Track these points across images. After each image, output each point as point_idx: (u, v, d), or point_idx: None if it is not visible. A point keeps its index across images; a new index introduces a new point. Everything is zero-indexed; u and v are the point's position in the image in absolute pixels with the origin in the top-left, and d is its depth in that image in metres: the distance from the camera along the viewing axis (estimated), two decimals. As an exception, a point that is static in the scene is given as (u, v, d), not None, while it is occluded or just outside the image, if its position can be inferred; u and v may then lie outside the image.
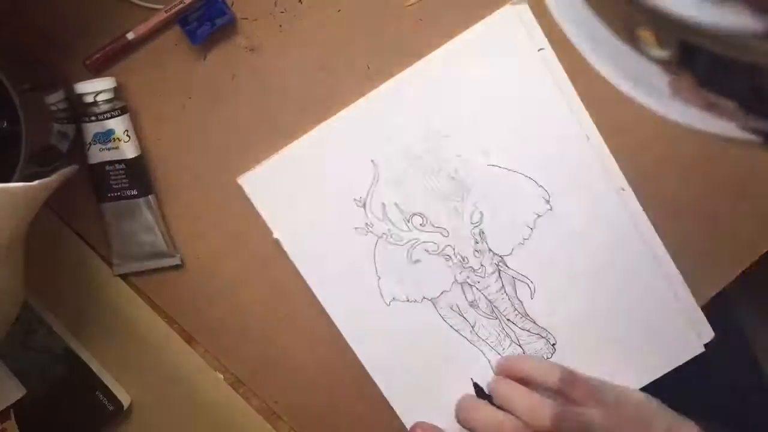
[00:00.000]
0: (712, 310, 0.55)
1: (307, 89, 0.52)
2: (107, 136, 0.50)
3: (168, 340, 0.55)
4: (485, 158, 0.52)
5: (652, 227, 0.53)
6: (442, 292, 0.53)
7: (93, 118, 0.50)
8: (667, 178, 0.53)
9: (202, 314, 0.55)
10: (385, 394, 0.55)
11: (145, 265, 0.54)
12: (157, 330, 0.55)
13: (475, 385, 0.54)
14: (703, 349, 0.54)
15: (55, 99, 0.49)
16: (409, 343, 0.54)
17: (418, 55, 0.51)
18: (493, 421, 0.50)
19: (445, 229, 0.52)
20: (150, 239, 0.53)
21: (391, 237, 0.53)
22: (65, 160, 0.49)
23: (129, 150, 0.51)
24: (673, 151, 0.53)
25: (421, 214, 0.52)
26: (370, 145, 0.52)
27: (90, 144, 0.51)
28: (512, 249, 0.53)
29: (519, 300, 0.54)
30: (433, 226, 0.53)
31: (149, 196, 0.52)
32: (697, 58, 0.19)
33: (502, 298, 0.54)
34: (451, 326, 0.54)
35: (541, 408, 0.49)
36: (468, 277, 0.53)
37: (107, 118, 0.50)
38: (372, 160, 0.52)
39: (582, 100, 0.51)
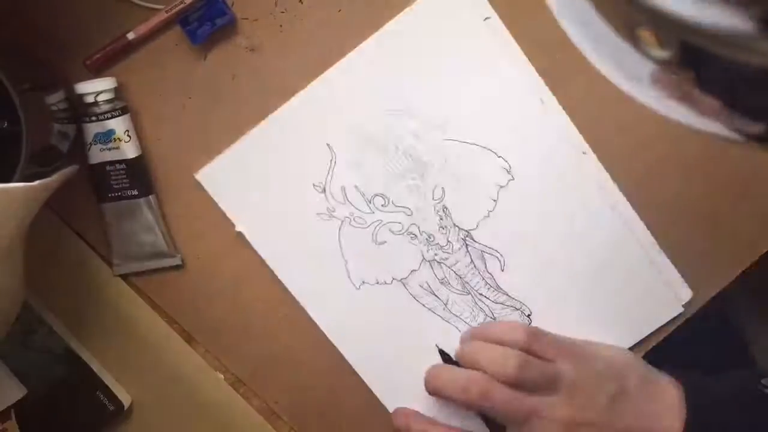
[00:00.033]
0: (712, 310, 0.55)
1: (307, 89, 0.52)
2: (108, 137, 0.50)
3: (168, 340, 0.55)
4: (441, 133, 0.52)
5: (617, 189, 0.52)
6: (411, 272, 0.53)
7: (93, 118, 0.50)
8: (667, 178, 0.53)
9: (202, 314, 0.55)
10: (364, 379, 0.55)
11: (146, 265, 0.54)
12: (158, 330, 0.55)
13: (441, 352, 0.54)
14: (682, 310, 0.53)
15: (55, 99, 0.49)
16: (384, 326, 0.54)
17: (419, 55, 0.51)
18: (459, 380, 0.50)
19: (408, 208, 0.52)
20: (150, 239, 0.53)
21: (354, 220, 0.52)
22: (66, 160, 0.49)
23: (129, 150, 0.51)
24: (674, 151, 0.53)
25: (382, 195, 0.52)
26: (325, 129, 0.52)
27: (90, 144, 0.51)
28: (477, 223, 0.53)
29: (489, 273, 0.53)
30: (395, 205, 0.52)
31: (150, 196, 0.52)
32: (697, 58, 0.19)
33: (473, 273, 0.53)
34: (423, 305, 0.54)
35: (505, 358, 0.48)
36: (436, 255, 0.53)
37: (108, 118, 0.50)
38: (328, 144, 0.52)
39: (582, 99, 0.51)
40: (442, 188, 0.52)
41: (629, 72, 0.21)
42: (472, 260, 0.53)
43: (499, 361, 0.48)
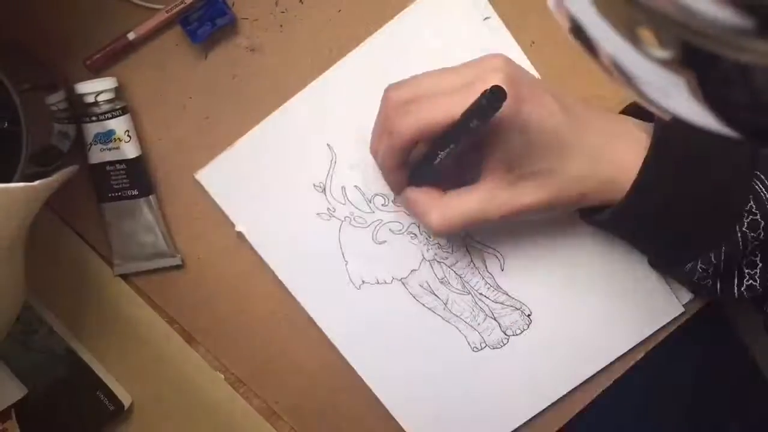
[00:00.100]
0: (712, 311, 0.55)
1: (307, 89, 0.52)
2: (108, 137, 0.50)
3: (168, 340, 0.55)
4: None
5: None
6: (411, 271, 0.53)
7: (94, 118, 0.50)
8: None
9: (202, 314, 0.55)
10: (364, 379, 0.55)
11: (146, 265, 0.54)
12: (158, 330, 0.55)
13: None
14: (682, 310, 0.53)
15: (55, 99, 0.49)
16: (384, 326, 0.54)
17: (419, 55, 0.51)
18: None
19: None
20: (150, 239, 0.53)
21: (355, 220, 0.52)
22: (66, 160, 0.49)
23: (130, 150, 0.51)
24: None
25: (382, 195, 0.52)
26: (325, 129, 0.51)
27: (91, 144, 0.51)
28: None
29: (489, 273, 0.53)
30: (395, 205, 0.52)
31: (150, 196, 0.52)
32: (698, 58, 0.19)
33: (472, 273, 0.53)
34: (423, 305, 0.54)
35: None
36: (436, 254, 0.53)
37: (108, 119, 0.50)
38: (328, 144, 0.52)
39: (582, 99, 0.51)
40: None
41: (629, 71, 0.21)
42: (471, 260, 0.53)
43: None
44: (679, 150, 0.44)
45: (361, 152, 0.51)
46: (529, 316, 0.54)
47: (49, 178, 0.44)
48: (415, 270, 0.53)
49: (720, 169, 0.44)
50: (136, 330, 0.55)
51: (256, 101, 0.52)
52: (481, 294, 0.54)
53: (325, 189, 0.52)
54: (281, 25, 0.51)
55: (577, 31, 0.22)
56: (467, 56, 0.46)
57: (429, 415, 0.55)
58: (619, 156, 0.45)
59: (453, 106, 0.42)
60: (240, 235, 0.53)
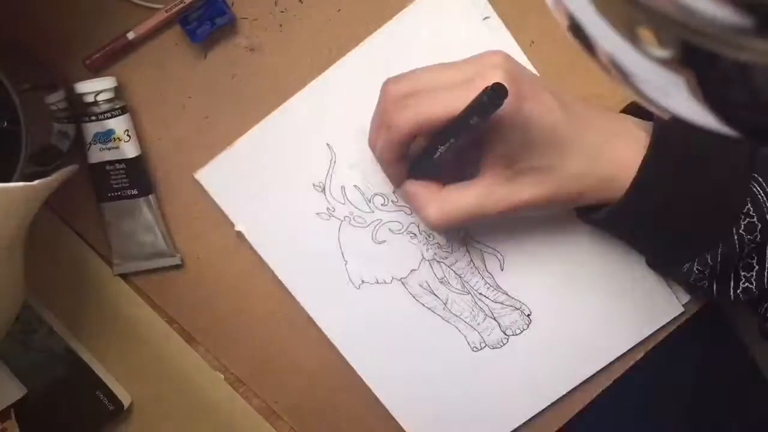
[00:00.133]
0: (712, 311, 0.55)
1: (307, 89, 0.52)
2: (107, 136, 0.50)
3: (168, 340, 0.55)
4: None
5: None
6: (411, 271, 0.53)
7: (93, 117, 0.50)
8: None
9: (202, 314, 0.55)
10: (364, 379, 0.54)
11: (145, 264, 0.54)
12: (157, 330, 0.55)
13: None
14: (682, 309, 0.53)
15: (55, 99, 0.49)
16: (384, 326, 0.54)
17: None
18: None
19: (407, 207, 0.52)
20: (150, 239, 0.53)
21: (354, 219, 0.52)
22: (65, 160, 0.49)
23: (129, 150, 0.51)
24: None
25: (382, 194, 0.52)
26: (325, 129, 0.51)
27: (90, 144, 0.51)
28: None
29: (489, 273, 0.53)
30: (395, 204, 0.52)
31: (149, 196, 0.52)
32: (697, 57, 0.19)
33: (472, 273, 0.53)
34: (423, 305, 0.54)
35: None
36: (435, 254, 0.53)
37: (107, 118, 0.50)
38: (328, 144, 0.52)
39: (582, 99, 0.51)
40: None
41: (628, 70, 0.21)
42: (471, 259, 0.53)
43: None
44: (679, 149, 0.44)
45: (360, 152, 0.51)
46: (528, 315, 0.54)
47: (49, 178, 0.44)
48: (414, 270, 0.53)
49: (719, 169, 0.44)
50: (136, 330, 0.55)
51: (256, 101, 0.52)
52: (480, 294, 0.54)
53: (324, 189, 0.52)
54: (281, 25, 0.51)
55: (576, 30, 0.22)
56: (467, 56, 0.46)
57: (429, 415, 0.55)
58: (618, 154, 0.45)
59: (453, 101, 0.42)
60: (239, 234, 0.53)
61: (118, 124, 0.50)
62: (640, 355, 0.54)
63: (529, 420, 0.55)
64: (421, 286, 0.53)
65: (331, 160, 0.52)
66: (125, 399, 0.56)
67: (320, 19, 0.51)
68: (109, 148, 0.51)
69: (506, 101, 0.40)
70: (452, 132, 0.43)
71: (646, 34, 0.19)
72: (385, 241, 0.53)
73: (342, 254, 0.53)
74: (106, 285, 0.55)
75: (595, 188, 0.45)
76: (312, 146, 0.52)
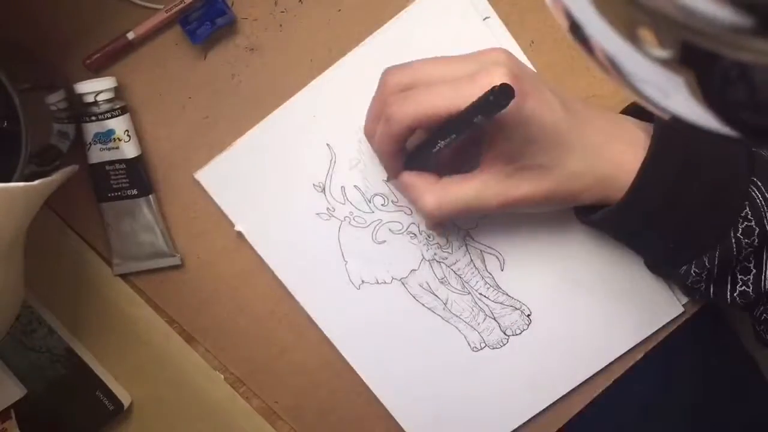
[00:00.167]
0: (712, 311, 0.55)
1: (307, 89, 0.52)
2: (107, 136, 0.50)
3: (168, 340, 0.55)
4: None
5: None
6: (411, 271, 0.53)
7: (93, 117, 0.50)
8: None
9: (202, 314, 0.55)
10: (364, 379, 0.54)
11: (145, 264, 0.54)
12: (157, 329, 0.55)
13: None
14: (682, 310, 0.53)
15: (55, 99, 0.49)
16: (384, 326, 0.54)
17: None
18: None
19: (408, 207, 0.52)
20: (150, 239, 0.53)
21: (354, 220, 0.52)
22: (65, 160, 0.49)
23: (129, 150, 0.51)
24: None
25: (382, 194, 0.52)
26: (325, 129, 0.51)
27: (90, 144, 0.51)
28: (477, 222, 0.53)
29: (489, 273, 0.53)
30: (395, 205, 0.52)
31: (149, 196, 0.52)
32: (697, 57, 0.19)
33: (472, 273, 0.53)
34: (423, 305, 0.54)
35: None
36: (435, 254, 0.53)
37: (107, 118, 0.50)
38: (328, 144, 0.52)
39: (582, 98, 0.51)
40: None
41: (628, 70, 0.21)
42: (471, 260, 0.53)
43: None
44: (679, 151, 0.44)
45: (360, 152, 0.51)
46: (528, 316, 0.54)
47: (49, 178, 0.44)
48: (414, 270, 0.53)
49: (718, 172, 0.44)
50: (136, 330, 0.55)
51: (256, 101, 0.52)
52: (480, 294, 0.54)
53: (324, 189, 0.52)
54: (281, 25, 0.51)
55: (575, 29, 0.22)
56: None
57: (429, 415, 0.55)
58: (617, 155, 0.45)
59: (455, 97, 0.42)
60: (239, 234, 0.53)
61: (118, 124, 0.50)
62: (640, 355, 0.54)
63: (529, 420, 0.55)
64: (421, 286, 0.53)
65: (331, 160, 0.52)
66: (125, 399, 0.56)
67: (320, 19, 0.51)
68: (109, 148, 0.51)
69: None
70: (454, 128, 0.43)
71: (646, 34, 0.19)
72: (385, 241, 0.53)
73: (342, 254, 0.53)
74: (106, 285, 0.55)
75: (594, 188, 0.45)
76: (312, 146, 0.52)
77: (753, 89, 0.19)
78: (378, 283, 0.53)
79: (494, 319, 0.54)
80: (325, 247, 0.53)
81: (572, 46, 0.22)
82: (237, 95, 0.52)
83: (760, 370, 0.63)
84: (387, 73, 0.46)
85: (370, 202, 0.52)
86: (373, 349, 0.54)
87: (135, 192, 0.52)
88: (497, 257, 0.53)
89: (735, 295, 0.46)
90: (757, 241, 0.44)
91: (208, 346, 0.56)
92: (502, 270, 0.53)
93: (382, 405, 0.55)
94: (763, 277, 0.46)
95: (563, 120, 0.44)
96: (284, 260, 0.53)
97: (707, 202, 0.44)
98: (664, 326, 0.54)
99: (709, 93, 0.20)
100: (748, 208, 0.44)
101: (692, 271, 0.46)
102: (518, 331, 0.54)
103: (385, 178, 0.52)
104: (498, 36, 0.50)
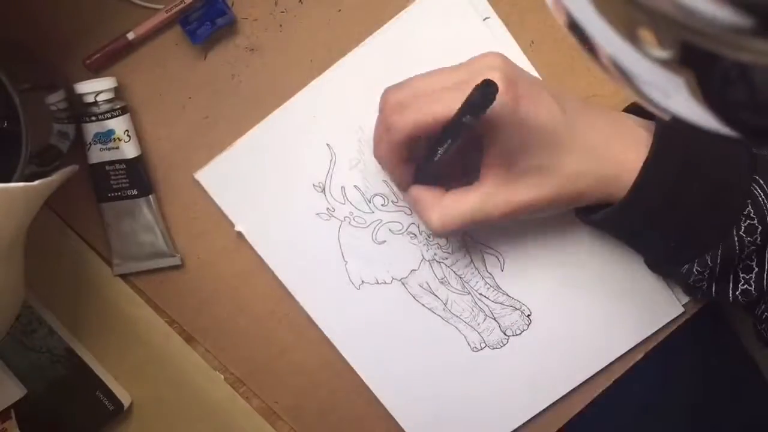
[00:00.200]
0: (712, 311, 0.55)
1: (307, 89, 0.52)
2: (107, 136, 0.50)
3: (168, 340, 0.55)
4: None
5: None
6: (411, 272, 0.53)
7: (93, 118, 0.50)
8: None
9: (202, 314, 0.55)
10: (364, 379, 0.54)
11: (145, 265, 0.54)
12: (157, 330, 0.55)
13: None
14: (682, 310, 0.53)
15: (55, 99, 0.49)
16: (384, 326, 0.54)
17: (419, 55, 0.51)
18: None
19: (408, 207, 0.52)
20: (150, 239, 0.53)
21: (354, 220, 0.52)
22: (65, 160, 0.49)
23: (129, 150, 0.51)
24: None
25: (382, 194, 0.52)
26: (325, 129, 0.51)
27: (90, 144, 0.51)
28: None
29: (489, 273, 0.53)
30: (395, 205, 0.52)
31: (149, 196, 0.52)
32: (697, 58, 0.19)
33: (472, 273, 0.53)
34: (423, 305, 0.54)
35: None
36: (435, 254, 0.53)
37: (107, 118, 0.50)
38: (328, 144, 0.52)
39: (583, 98, 0.51)
40: None
41: (628, 70, 0.21)
42: (471, 260, 0.53)
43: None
44: (681, 150, 0.44)
45: (360, 152, 0.51)
46: (528, 316, 0.54)
47: (49, 178, 0.44)
48: (414, 270, 0.53)
49: (720, 170, 0.44)
50: (136, 330, 0.55)
51: (256, 101, 0.52)
52: (480, 294, 0.54)
53: (324, 189, 0.52)
54: (281, 25, 0.51)
55: (575, 30, 0.22)
56: (467, 56, 0.46)
57: (429, 415, 0.55)
58: (619, 154, 0.45)
59: (450, 102, 0.42)
60: (239, 234, 0.53)
61: (118, 125, 0.50)
62: (640, 355, 0.54)
63: (529, 420, 0.55)
64: (421, 286, 0.53)
65: (331, 161, 0.52)
66: (125, 399, 0.56)
67: (320, 20, 0.51)
68: (109, 149, 0.51)
69: (503, 102, 0.40)
70: (448, 132, 0.43)
71: (646, 34, 0.19)
72: (385, 241, 0.53)
73: (342, 254, 0.53)
74: (106, 285, 0.55)
75: (596, 188, 0.45)
76: (312, 146, 0.52)
77: (753, 89, 0.19)
78: (378, 283, 0.53)
79: (494, 319, 0.54)
80: (325, 247, 0.53)
81: (572, 46, 0.22)
82: (237, 95, 0.52)
83: (760, 370, 0.63)
84: (386, 91, 0.46)
85: (370, 202, 0.52)
86: (373, 349, 0.54)
87: (135, 192, 0.52)
88: (497, 257, 0.53)
89: (737, 293, 0.46)
90: (759, 239, 0.44)
91: (208, 346, 0.56)
92: (502, 270, 0.53)
93: (382, 405, 0.55)
94: (765, 275, 0.46)
95: (561, 122, 0.44)
96: (284, 260, 0.53)
97: (709, 201, 0.44)
98: (664, 326, 0.54)
99: (709, 93, 0.20)
100: (750, 206, 0.44)
101: (694, 270, 0.46)
102: (518, 332, 0.54)
103: (386, 178, 0.52)
104: (498, 36, 0.50)
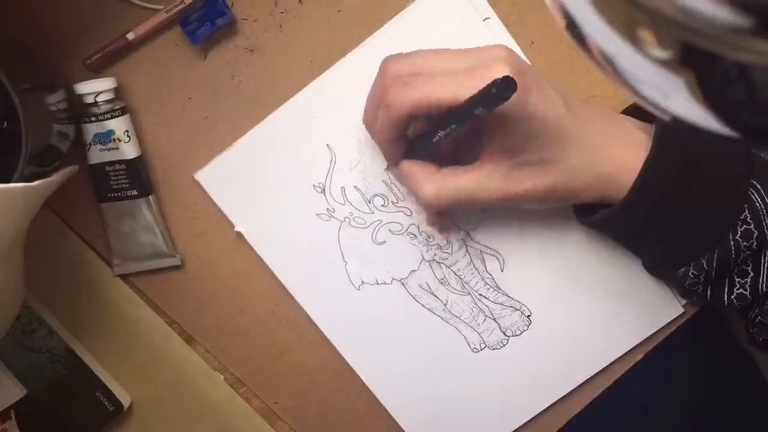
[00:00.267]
0: (711, 311, 0.55)
1: (307, 89, 0.52)
2: (107, 137, 0.50)
3: (168, 340, 0.55)
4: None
5: None
6: (411, 272, 0.53)
7: (93, 118, 0.50)
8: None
9: (202, 314, 0.55)
10: (364, 379, 0.54)
11: (145, 265, 0.54)
12: (157, 330, 0.55)
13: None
14: (682, 310, 0.53)
15: (55, 99, 0.49)
16: (384, 326, 0.54)
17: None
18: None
19: (407, 207, 0.52)
20: (150, 239, 0.53)
21: (354, 220, 0.52)
22: (65, 161, 0.49)
23: (129, 150, 0.51)
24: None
25: (382, 195, 0.52)
26: (325, 129, 0.51)
27: (90, 144, 0.51)
28: (477, 223, 0.53)
29: (489, 274, 0.53)
30: (395, 205, 0.52)
31: (149, 196, 0.52)
32: (696, 58, 0.19)
33: (472, 274, 0.53)
34: (423, 305, 0.54)
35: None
36: (435, 255, 0.53)
37: (107, 119, 0.50)
38: (328, 144, 0.52)
39: (583, 99, 0.51)
40: None
41: (628, 70, 0.21)
42: (471, 260, 0.53)
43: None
44: (680, 152, 0.44)
45: (360, 152, 0.51)
46: (528, 317, 0.54)
47: (49, 179, 0.44)
48: (414, 270, 0.53)
49: (718, 174, 0.44)
50: (136, 330, 0.55)
51: (256, 101, 0.52)
52: (480, 295, 0.54)
53: (324, 189, 0.52)
54: (281, 26, 0.51)
55: (572, 27, 0.22)
56: None
57: (429, 415, 0.55)
58: (618, 154, 0.45)
59: (456, 87, 0.42)
60: (239, 235, 0.53)
61: (118, 125, 0.50)
62: (640, 355, 0.54)
63: (529, 420, 0.55)
64: (421, 286, 0.53)
65: (331, 161, 0.52)
66: (125, 400, 0.56)
67: (320, 20, 0.51)
68: (108, 149, 0.51)
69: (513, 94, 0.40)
70: (455, 119, 0.43)
71: (645, 34, 0.19)
72: (385, 241, 0.53)
73: (342, 255, 0.53)
74: (106, 285, 0.55)
75: (594, 186, 0.45)
76: (312, 147, 0.52)
77: (753, 89, 0.19)
78: (378, 283, 0.53)
79: (494, 319, 0.54)
80: (325, 248, 0.53)
81: (572, 47, 0.22)
82: (237, 95, 0.52)
83: (760, 370, 0.63)
84: (386, 61, 0.46)
85: (370, 202, 0.52)
86: (372, 350, 0.54)
87: (135, 192, 0.52)
88: (497, 258, 0.53)
89: (732, 297, 0.47)
90: (755, 244, 0.44)
91: (208, 346, 0.56)
92: (502, 271, 0.53)
93: (382, 405, 0.55)
94: (761, 279, 0.46)
95: (565, 116, 0.44)
96: (284, 260, 0.53)
97: (707, 202, 0.44)
98: (664, 327, 0.54)
99: (709, 93, 0.20)
100: (747, 211, 0.44)
101: (690, 273, 0.46)
102: (518, 332, 0.54)
103: (386, 167, 0.52)
104: (498, 37, 0.50)
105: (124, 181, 0.52)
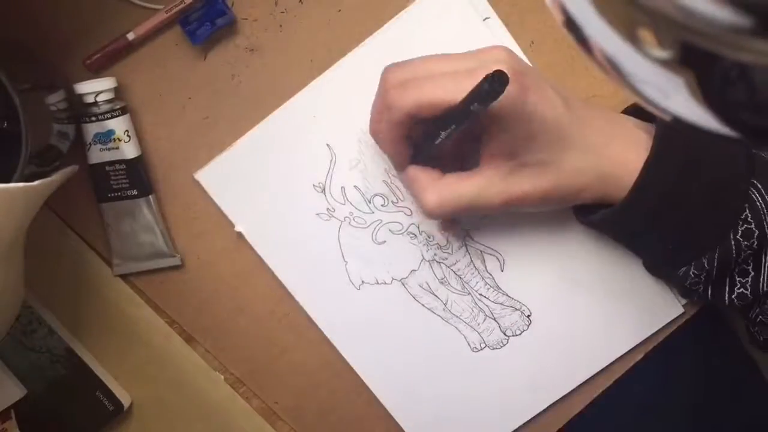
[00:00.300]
0: (711, 311, 0.55)
1: (307, 89, 0.51)
2: (107, 137, 0.50)
3: (168, 340, 0.55)
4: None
5: None
6: (411, 272, 0.53)
7: (93, 118, 0.50)
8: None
9: (202, 314, 0.55)
10: (364, 379, 0.54)
11: (145, 265, 0.54)
12: (157, 330, 0.55)
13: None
14: (682, 310, 0.53)
15: (55, 99, 0.49)
16: (384, 326, 0.54)
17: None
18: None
19: (408, 207, 0.52)
20: (150, 239, 0.53)
21: (354, 220, 0.52)
22: (65, 160, 0.49)
23: (129, 150, 0.51)
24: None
25: (382, 195, 0.52)
26: (325, 129, 0.51)
27: (90, 144, 0.51)
28: (477, 222, 0.53)
29: (489, 273, 0.53)
30: (395, 205, 0.52)
31: (149, 196, 0.52)
32: (697, 58, 0.19)
33: (472, 273, 0.53)
34: (423, 305, 0.54)
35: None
36: (435, 255, 0.53)
37: (107, 119, 0.50)
38: (328, 144, 0.52)
39: (583, 99, 0.51)
40: None
41: (628, 70, 0.21)
42: (471, 260, 0.53)
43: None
44: (680, 152, 0.44)
45: (360, 152, 0.51)
46: (528, 316, 0.54)
47: (49, 178, 0.44)
48: (414, 270, 0.53)
49: (718, 174, 0.44)
50: (136, 330, 0.55)
51: (256, 101, 0.52)
52: (480, 294, 0.54)
53: (324, 189, 0.52)
54: (281, 25, 0.51)
55: (572, 27, 0.22)
56: None
57: (429, 415, 0.55)
58: (619, 154, 0.45)
59: (455, 88, 0.42)
60: (239, 235, 0.53)
61: (118, 125, 0.50)
62: (640, 355, 0.54)
63: (529, 420, 0.55)
64: (421, 286, 0.53)
65: (331, 161, 0.52)
66: (125, 399, 0.56)
67: (320, 20, 0.51)
68: (109, 149, 0.51)
69: (510, 94, 0.40)
70: (453, 118, 0.43)
71: (645, 34, 0.19)
72: (385, 241, 0.53)
73: (342, 255, 0.53)
74: (106, 285, 0.55)
75: (595, 185, 0.45)
76: (312, 146, 0.52)
77: (753, 89, 0.19)
78: (378, 283, 0.53)
79: (494, 319, 0.54)
80: (325, 248, 0.53)
81: (572, 47, 0.22)
82: (237, 95, 0.52)
83: (760, 370, 0.63)
84: (387, 70, 0.46)
85: (370, 202, 0.52)
86: (373, 350, 0.54)
87: (135, 192, 0.52)
88: (497, 258, 0.53)
89: (733, 296, 0.47)
90: (756, 243, 0.44)
91: (208, 346, 0.56)
92: (502, 270, 0.53)
93: (382, 405, 0.55)
94: (761, 279, 0.46)
95: (565, 116, 0.44)
96: (284, 260, 0.53)
97: (708, 202, 0.44)
98: (664, 326, 0.54)
99: (709, 93, 0.20)
100: (748, 211, 0.44)
101: (691, 273, 0.46)
102: (518, 332, 0.54)
103: (386, 178, 0.52)
104: (498, 37, 0.50)
105: (124, 180, 0.52)
